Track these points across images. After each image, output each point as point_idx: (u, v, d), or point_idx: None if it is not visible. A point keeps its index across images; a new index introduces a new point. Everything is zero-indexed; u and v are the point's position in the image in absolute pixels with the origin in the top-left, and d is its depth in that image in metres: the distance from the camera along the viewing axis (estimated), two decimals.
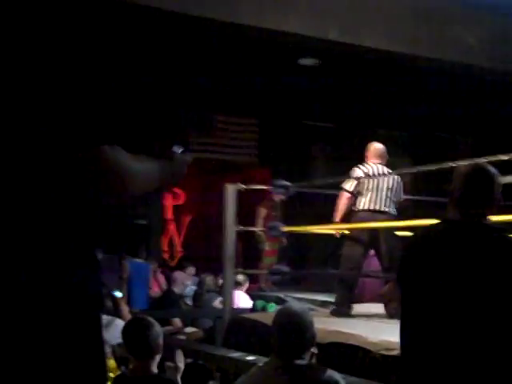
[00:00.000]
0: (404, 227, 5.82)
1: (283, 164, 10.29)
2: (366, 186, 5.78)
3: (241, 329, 5.58)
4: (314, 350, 2.98)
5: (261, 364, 3.01)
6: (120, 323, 5.29)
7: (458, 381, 2.36)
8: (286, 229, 6.20)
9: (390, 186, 5.80)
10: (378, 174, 5.79)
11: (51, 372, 1.54)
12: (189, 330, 7.44)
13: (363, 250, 5.78)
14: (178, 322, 7.46)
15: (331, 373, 2.87)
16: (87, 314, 1.62)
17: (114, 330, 4.97)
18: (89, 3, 5.19)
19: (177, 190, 11.27)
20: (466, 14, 7.36)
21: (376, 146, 6.05)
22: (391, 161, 11.24)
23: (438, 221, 2.68)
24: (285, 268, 5.79)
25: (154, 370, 3.27)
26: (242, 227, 5.91)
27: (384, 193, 5.76)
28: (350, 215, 5.92)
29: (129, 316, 5.72)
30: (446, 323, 2.41)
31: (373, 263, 6.75)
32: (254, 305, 7.12)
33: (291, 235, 8.47)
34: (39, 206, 1.53)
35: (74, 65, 1.66)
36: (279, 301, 7.16)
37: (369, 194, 5.76)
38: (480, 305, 2.37)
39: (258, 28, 6.76)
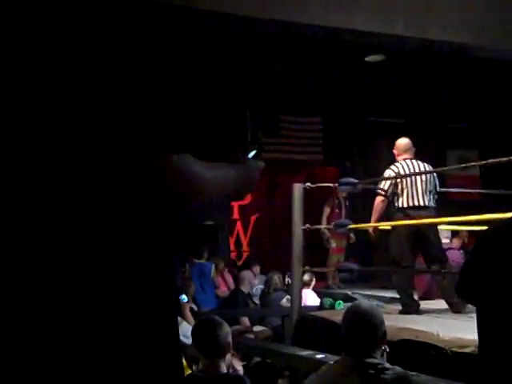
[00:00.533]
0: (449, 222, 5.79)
1: (349, 161, 10.24)
2: (400, 186, 5.68)
3: (309, 327, 5.57)
4: (385, 347, 2.93)
5: (331, 362, 2.98)
6: (186, 325, 5.37)
7: None
8: (353, 226, 6.14)
9: (424, 179, 5.66)
10: (409, 170, 5.70)
11: (131, 370, 1.57)
12: (257, 328, 7.47)
13: (409, 246, 5.69)
14: (246, 320, 7.50)
15: (403, 372, 2.83)
16: (167, 314, 1.64)
17: (182, 331, 5.02)
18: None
19: None
20: None
21: (401, 142, 5.94)
22: (460, 153, 11.10)
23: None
24: (353, 265, 5.75)
25: (224, 369, 3.29)
26: (308, 225, 5.88)
27: (420, 187, 5.64)
28: (391, 216, 5.89)
29: (192, 320, 5.78)
30: None
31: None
32: (321, 303, 7.10)
33: (359, 232, 8.40)
34: (111, 211, 1.55)
35: (143, 69, 1.66)
36: (347, 298, 7.12)
37: (405, 192, 5.66)
38: None
39: (323, 27, 6.73)
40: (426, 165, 5.76)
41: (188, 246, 8.74)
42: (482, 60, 7.47)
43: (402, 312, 5.60)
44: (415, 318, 5.22)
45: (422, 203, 5.63)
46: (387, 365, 2.81)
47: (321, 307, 6.82)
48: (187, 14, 6.13)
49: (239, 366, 5.92)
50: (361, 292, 7.68)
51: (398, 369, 2.83)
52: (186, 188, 1.58)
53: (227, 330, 3.38)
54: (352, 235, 8.95)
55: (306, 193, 5.87)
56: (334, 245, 9.33)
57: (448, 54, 7.36)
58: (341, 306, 6.69)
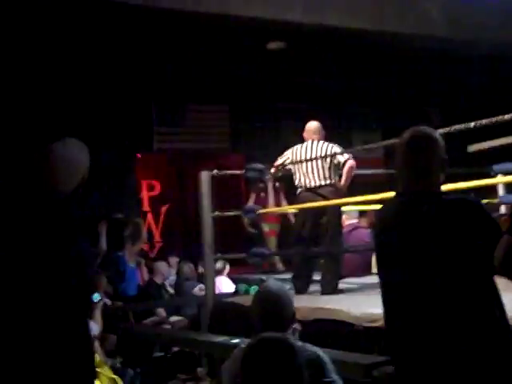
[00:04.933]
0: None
1: (257, 149, 10.30)
2: (296, 166, 5.76)
3: (224, 314, 5.62)
4: (296, 326, 3.00)
5: (243, 345, 3.03)
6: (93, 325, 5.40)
7: (438, 344, 2.42)
8: (262, 211, 6.22)
9: (320, 160, 5.68)
10: (305, 150, 5.76)
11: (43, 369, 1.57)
12: (173, 318, 7.47)
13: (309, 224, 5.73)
14: (161, 311, 7.49)
15: (313, 348, 2.90)
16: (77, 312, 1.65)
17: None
18: None
19: (152, 182, 11.27)
20: None
21: (309, 125, 5.97)
22: (362, 136, 11.37)
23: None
24: (265, 250, 5.80)
25: None
26: (218, 212, 5.92)
27: (314, 168, 5.69)
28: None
29: (100, 320, 5.81)
30: (417, 289, 2.49)
31: (351, 238, 6.82)
32: (236, 289, 7.15)
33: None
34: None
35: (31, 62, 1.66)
36: (262, 283, 7.16)
37: (299, 173, 5.75)
38: (445, 266, 2.44)
39: (222, 15, 6.76)
40: (329, 145, 5.79)
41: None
42: (380, 44, 7.69)
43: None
44: (333, 297, 5.31)
45: (313, 184, 5.68)
46: (299, 342, 2.88)
47: (236, 293, 6.86)
48: (80, 5, 6.05)
49: None
50: (278, 276, 7.73)
51: (308, 345, 2.90)
52: (66, 172, 1.59)
53: None
54: (292, 217, 8.72)
55: (219, 181, 5.91)
56: (266, 228, 9.16)
57: (346, 39, 7.53)
58: (255, 290, 6.73)
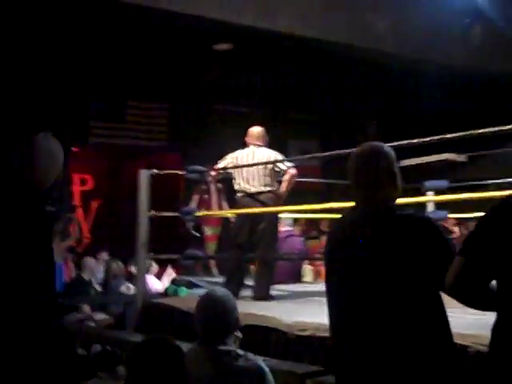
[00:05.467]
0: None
1: (194, 149, 10.24)
2: (235, 171, 5.77)
3: (152, 314, 5.53)
4: (238, 334, 2.97)
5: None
6: None
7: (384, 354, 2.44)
8: (199, 213, 6.17)
9: (261, 167, 5.66)
10: (246, 156, 5.75)
11: None
12: (99, 316, 7.32)
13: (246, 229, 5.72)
14: (87, 308, 7.34)
15: (255, 359, 2.87)
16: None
17: None
18: None
19: (84, 176, 11.08)
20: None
21: (252, 130, 5.95)
22: (301, 144, 11.44)
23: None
24: (198, 252, 5.75)
25: None
26: (154, 212, 5.83)
27: (252, 174, 5.68)
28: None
29: None
30: (365, 304, 2.49)
31: (284, 245, 6.84)
32: (165, 290, 7.08)
33: None
34: None
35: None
36: (191, 285, 7.13)
37: (238, 177, 5.75)
38: (393, 282, 2.46)
39: (170, 12, 6.68)
40: (270, 152, 5.78)
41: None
42: (327, 54, 7.75)
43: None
44: (264, 303, 5.30)
45: (253, 190, 5.67)
46: (240, 351, 2.85)
47: (165, 294, 6.79)
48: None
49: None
50: (205, 278, 7.71)
51: (250, 355, 2.87)
52: (47, 164, 1.55)
53: None
54: (233, 219, 8.59)
55: (157, 179, 5.84)
56: (208, 232, 9.03)
57: (295, 47, 7.56)
58: (184, 292, 6.68)
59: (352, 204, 2.71)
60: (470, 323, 3.23)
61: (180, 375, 2.34)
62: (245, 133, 5.99)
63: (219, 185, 8.41)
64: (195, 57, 8.53)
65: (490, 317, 2.23)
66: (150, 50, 8.17)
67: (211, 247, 9.04)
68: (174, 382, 2.34)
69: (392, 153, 2.67)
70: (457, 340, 2.60)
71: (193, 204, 8.45)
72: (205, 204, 8.44)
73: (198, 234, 8.76)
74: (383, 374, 2.44)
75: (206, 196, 8.79)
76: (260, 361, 2.89)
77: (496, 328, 2.18)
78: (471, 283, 2.21)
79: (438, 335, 2.46)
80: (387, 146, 2.71)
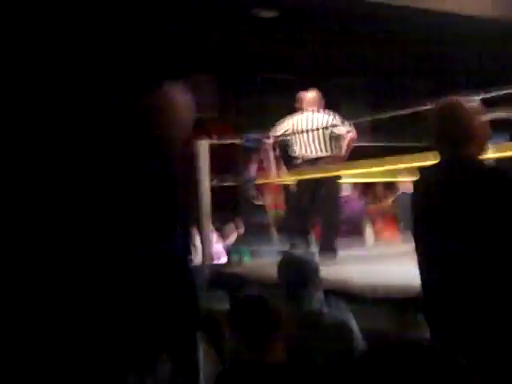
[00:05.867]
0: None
1: (243, 118, 10.25)
2: (293, 137, 5.75)
3: (221, 281, 5.61)
4: (321, 293, 3.03)
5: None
6: None
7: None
8: (260, 181, 6.22)
9: (320, 131, 5.69)
10: (302, 121, 5.75)
11: None
12: None
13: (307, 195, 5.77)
14: None
15: (340, 314, 2.94)
16: None
17: None
18: None
19: None
20: None
21: (303, 95, 5.97)
22: (348, 110, 11.37)
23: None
24: (263, 219, 5.80)
25: None
26: (215, 181, 5.89)
27: (311, 138, 5.69)
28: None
29: None
30: (453, 256, 2.50)
31: (345, 209, 6.85)
32: (228, 257, 7.17)
33: None
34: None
35: None
36: (252, 253, 7.19)
37: (297, 143, 5.73)
38: (480, 235, 2.46)
39: None
40: (328, 117, 5.78)
41: None
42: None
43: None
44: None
45: (313, 155, 5.69)
46: (325, 309, 2.91)
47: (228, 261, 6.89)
48: None
49: None
50: (271, 247, 7.67)
51: (335, 314, 2.93)
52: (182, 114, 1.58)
53: None
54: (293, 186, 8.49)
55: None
56: (269, 200, 8.64)
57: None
58: (247, 257, 6.78)
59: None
60: None
61: None
62: (292, 101, 5.99)
63: (277, 153, 8.37)
64: (238, 25, 8.50)
65: None
66: (192, 21, 8.15)
67: (272, 215, 8.98)
68: None
69: (476, 107, 2.65)
70: None
71: (251, 172, 8.38)
72: (263, 172, 8.34)
73: (258, 202, 8.74)
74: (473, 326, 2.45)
75: (264, 164, 8.70)
76: (346, 315, 2.94)
77: None
78: None
79: None
80: (470, 100, 2.69)
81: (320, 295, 2.96)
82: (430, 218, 2.61)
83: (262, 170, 8.54)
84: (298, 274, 2.95)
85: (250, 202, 8.49)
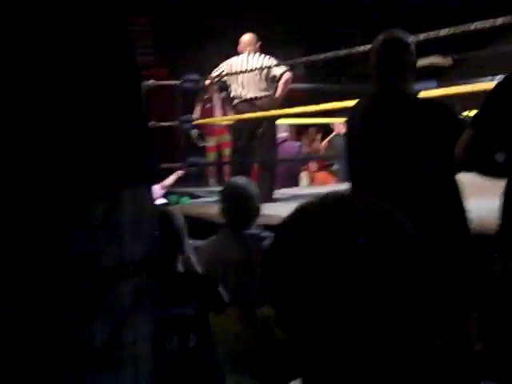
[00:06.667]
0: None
1: (180, 63, 10.22)
2: (230, 78, 5.85)
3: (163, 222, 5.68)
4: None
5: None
6: None
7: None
8: (199, 121, 6.29)
9: (256, 72, 5.74)
10: (240, 62, 5.84)
11: None
12: None
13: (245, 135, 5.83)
14: None
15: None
16: None
17: None
18: None
19: None
20: None
21: (243, 37, 6.03)
22: (283, 54, 11.43)
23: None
24: (201, 160, 5.88)
25: None
26: (154, 122, 5.94)
27: (252, 78, 5.76)
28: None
29: None
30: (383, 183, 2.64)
31: (281, 151, 6.99)
32: (167, 200, 7.20)
33: None
34: None
35: None
36: (192, 195, 7.25)
37: (234, 83, 5.85)
38: (410, 163, 2.60)
39: None
40: (264, 58, 5.85)
41: None
42: None
43: None
44: (268, 205, 5.42)
45: (250, 95, 5.77)
46: (265, 233, 3.05)
47: (167, 204, 6.92)
48: None
49: None
50: (206, 189, 7.74)
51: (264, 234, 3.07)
52: None
53: None
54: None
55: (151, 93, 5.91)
56: (211, 142, 8.68)
57: None
58: (188, 201, 6.82)
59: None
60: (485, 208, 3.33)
61: None
62: (231, 46, 6.04)
63: (223, 94, 8.26)
64: None
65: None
66: None
67: (211, 156, 8.83)
68: None
69: (413, 43, 2.75)
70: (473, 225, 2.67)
71: (196, 113, 8.15)
72: (208, 113, 8.20)
73: (201, 143, 8.58)
74: None
75: (209, 105, 8.60)
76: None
77: (505, 195, 2.23)
78: (481, 152, 2.25)
79: (457, 218, 2.61)
80: (410, 36, 2.77)
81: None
82: (364, 145, 2.72)
83: (207, 111, 8.44)
84: (237, 202, 3.07)
85: (192, 143, 8.42)
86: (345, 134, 2.96)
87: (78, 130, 1.05)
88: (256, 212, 3.14)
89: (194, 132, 7.91)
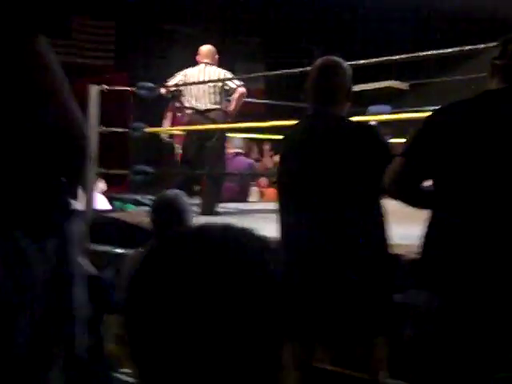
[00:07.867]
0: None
1: (140, 68, 10.19)
2: (185, 88, 5.86)
3: (104, 227, 5.65)
4: None
5: (140, 249, 3.15)
6: None
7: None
8: (149, 129, 6.26)
9: (211, 84, 5.76)
10: (196, 73, 5.85)
11: None
12: None
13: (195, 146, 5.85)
14: None
15: None
16: None
17: None
18: None
19: None
20: None
21: (202, 48, 6.05)
22: (245, 67, 11.47)
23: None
24: (147, 168, 5.85)
25: None
26: (103, 127, 5.88)
27: (202, 91, 5.77)
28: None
29: None
30: (312, 211, 2.66)
31: (232, 165, 7.00)
32: (112, 206, 7.18)
33: None
34: None
35: None
36: (137, 203, 7.22)
37: (188, 94, 5.85)
38: (338, 187, 2.64)
39: None
40: (220, 70, 5.88)
41: None
42: None
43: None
44: (210, 218, 5.43)
45: (203, 107, 5.78)
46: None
47: (112, 211, 6.89)
48: None
49: None
50: (151, 197, 7.69)
51: None
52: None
53: None
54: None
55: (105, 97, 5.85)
56: (179, 150, 8.51)
57: None
58: (131, 208, 6.80)
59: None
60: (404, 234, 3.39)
61: None
62: (192, 55, 6.07)
63: (176, 102, 8.06)
64: None
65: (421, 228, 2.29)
66: None
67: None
68: None
69: (349, 69, 2.82)
70: (393, 249, 2.76)
71: (166, 122, 8.00)
72: (178, 122, 8.07)
73: (168, 139, 8.20)
74: (326, 275, 2.62)
75: (180, 114, 8.42)
76: None
77: (429, 226, 2.24)
78: (408, 181, 2.26)
79: (376, 241, 2.65)
80: (345, 62, 2.84)
81: None
82: (293, 165, 2.75)
83: (177, 119, 8.30)
84: (169, 214, 3.06)
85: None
86: (280, 154, 2.98)
87: None
88: (180, 225, 3.13)
89: (163, 136, 7.84)
